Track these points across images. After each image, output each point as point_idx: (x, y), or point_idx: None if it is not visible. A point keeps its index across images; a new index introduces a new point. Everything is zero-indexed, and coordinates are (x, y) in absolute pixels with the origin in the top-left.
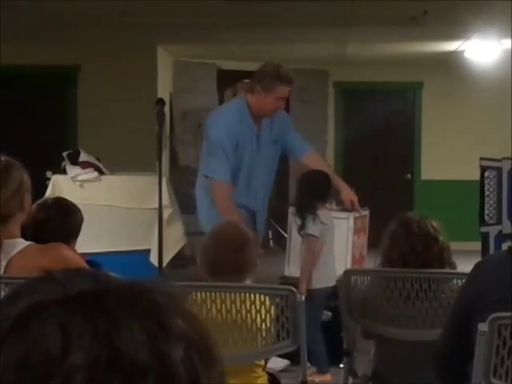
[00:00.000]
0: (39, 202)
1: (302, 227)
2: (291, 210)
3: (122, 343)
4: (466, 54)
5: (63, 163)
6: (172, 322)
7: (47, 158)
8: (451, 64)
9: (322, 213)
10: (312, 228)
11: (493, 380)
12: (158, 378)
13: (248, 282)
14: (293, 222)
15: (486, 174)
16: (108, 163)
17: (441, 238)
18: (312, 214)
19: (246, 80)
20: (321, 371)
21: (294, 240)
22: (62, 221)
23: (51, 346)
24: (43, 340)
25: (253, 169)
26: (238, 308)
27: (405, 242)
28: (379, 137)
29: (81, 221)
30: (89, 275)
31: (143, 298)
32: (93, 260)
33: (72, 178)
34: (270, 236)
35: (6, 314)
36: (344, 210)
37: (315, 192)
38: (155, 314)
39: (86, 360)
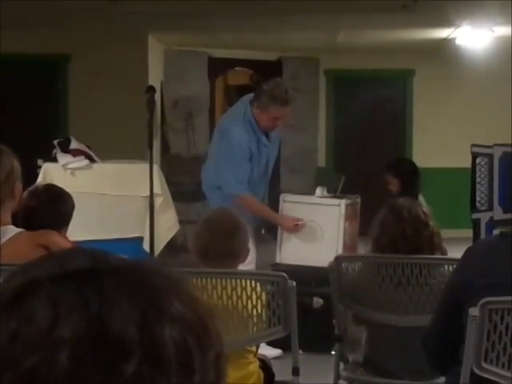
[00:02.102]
0: (30, 188)
1: None
2: (282, 197)
3: (112, 320)
4: (458, 42)
5: (54, 151)
6: (168, 304)
7: (38, 146)
8: (442, 51)
9: None
10: None
11: (484, 364)
12: (144, 356)
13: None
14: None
15: (478, 160)
16: (99, 151)
17: (431, 223)
18: None
19: (237, 68)
20: None
21: None
22: (52, 208)
23: (40, 320)
24: (33, 315)
25: (264, 169)
26: (229, 294)
27: (395, 228)
28: (370, 124)
29: (72, 208)
30: (87, 253)
31: (141, 278)
32: None
33: (63, 165)
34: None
35: (3, 289)
36: (335, 196)
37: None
38: (150, 295)
39: (72, 334)
